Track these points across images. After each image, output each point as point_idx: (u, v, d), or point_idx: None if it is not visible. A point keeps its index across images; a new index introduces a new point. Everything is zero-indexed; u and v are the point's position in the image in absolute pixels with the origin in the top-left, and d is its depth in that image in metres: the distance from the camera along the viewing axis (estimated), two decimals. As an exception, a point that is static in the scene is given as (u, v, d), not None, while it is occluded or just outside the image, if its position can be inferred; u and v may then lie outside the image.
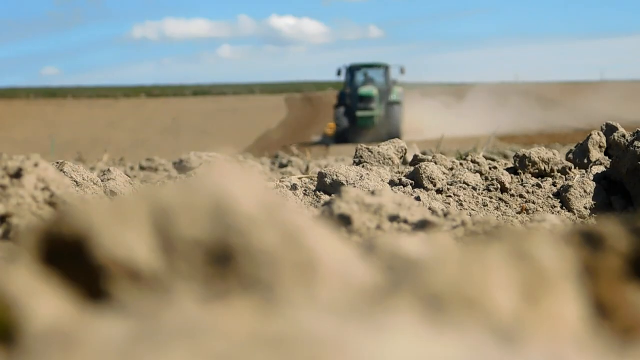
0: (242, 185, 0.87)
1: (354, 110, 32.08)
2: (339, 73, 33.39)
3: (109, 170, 3.59)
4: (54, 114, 52.84)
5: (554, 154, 4.34)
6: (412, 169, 4.16)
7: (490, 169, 4.31)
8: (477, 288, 0.77)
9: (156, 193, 0.87)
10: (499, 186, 4.09)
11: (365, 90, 32.21)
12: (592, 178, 4.08)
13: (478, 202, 3.99)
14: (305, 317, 0.66)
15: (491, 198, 4.03)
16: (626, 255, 0.91)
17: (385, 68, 33.57)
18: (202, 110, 54.80)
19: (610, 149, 4.67)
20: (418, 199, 3.84)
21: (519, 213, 3.94)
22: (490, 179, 4.15)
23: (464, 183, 4.06)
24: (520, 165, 4.29)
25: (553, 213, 3.92)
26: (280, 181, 4.14)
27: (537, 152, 4.32)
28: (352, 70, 33.60)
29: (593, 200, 3.96)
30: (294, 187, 3.98)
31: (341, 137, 31.62)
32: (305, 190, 3.96)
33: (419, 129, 30.57)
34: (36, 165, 1.98)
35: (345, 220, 1.77)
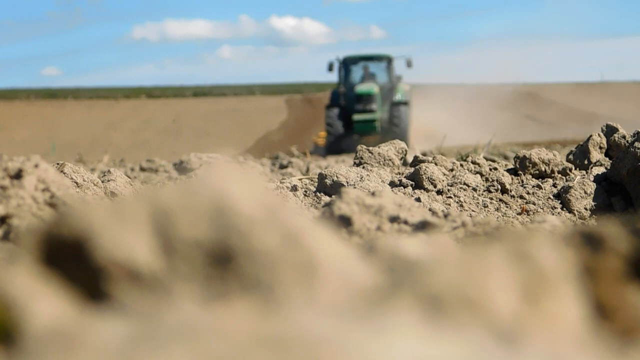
0: (242, 186, 0.87)
1: (349, 113, 25.34)
2: (330, 68, 26.28)
3: (109, 171, 3.59)
4: (54, 115, 52.90)
5: (554, 155, 4.34)
6: (412, 169, 4.16)
7: (490, 170, 4.31)
8: (477, 289, 0.77)
9: (156, 194, 0.87)
10: (499, 187, 4.09)
11: (363, 87, 25.41)
12: (592, 179, 4.08)
13: (478, 203, 3.99)
14: (305, 318, 0.66)
15: (491, 199, 4.03)
16: (626, 256, 0.91)
17: (388, 60, 26.65)
18: (202, 111, 54.86)
19: (611, 150, 4.67)
20: (418, 200, 3.84)
21: (519, 214, 3.94)
22: (490, 179, 4.15)
23: (464, 184, 4.06)
24: (521, 166, 4.29)
25: (553, 214, 3.92)
26: (281, 182, 4.15)
27: (537, 153, 4.32)
28: (347, 63, 26.52)
29: (593, 201, 3.96)
30: (294, 188, 3.98)
31: (334, 146, 24.75)
32: (306, 191, 3.96)
33: (428, 135, 24.84)
34: (36, 166, 1.98)
35: (345, 221, 1.77)
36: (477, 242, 0.85)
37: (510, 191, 4.10)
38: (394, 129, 24.94)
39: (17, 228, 1.87)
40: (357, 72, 26.75)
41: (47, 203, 1.95)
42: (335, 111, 25.52)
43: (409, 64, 26.49)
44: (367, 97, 25.33)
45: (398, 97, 25.84)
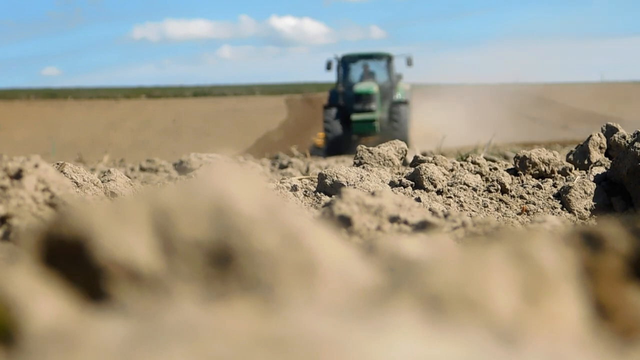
0: (242, 186, 0.87)
1: (348, 112, 24.43)
2: (328, 66, 25.39)
3: (109, 171, 3.58)
4: (54, 115, 52.92)
5: (554, 155, 4.34)
6: (412, 169, 4.16)
7: (490, 170, 4.31)
8: (477, 289, 0.77)
9: (156, 194, 0.87)
10: (499, 187, 4.09)
11: (362, 87, 24.55)
12: (592, 179, 4.08)
13: (478, 203, 3.99)
14: (305, 318, 0.66)
15: (491, 199, 4.03)
16: (626, 256, 0.91)
17: (388, 58, 25.81)
18: (202, 111, 54.88)
19: (611, 150, 4.67)
20: (418, 200, 3.85)
21: (519, 214, 3.94)
22: (490, 179, 4.15)
23: (464, 184, 4.06)
24: (521, 166, 4.29)
25: (553, 214, 3.92)
26: (281, 182, 4.15)
27: (537, 153, 4.32)
28: (346, 62, 25.69)
29: (593, 201, 3.96)
30: (294, 188, 3.98)
31: (333, 147, 23.88)
32: (306, 191, 3.96)
33: (428, 135, 23.23)
34: (36, 166, 1.98)
35: (345, 221, 1.77)
36: (477, 242, 0.85)
37: (510, 191, 4.10)
38: (394, 129, 24.05)
39: (17, 228, 1.87)
40: (356, 70, 25.90)
41: (47, 203, 1.95)
42: (334, 111, 24.60)
43: (409, 62, 25.56)
44: (366, 97, 24.46)
45: (398, 96, 24.98)
